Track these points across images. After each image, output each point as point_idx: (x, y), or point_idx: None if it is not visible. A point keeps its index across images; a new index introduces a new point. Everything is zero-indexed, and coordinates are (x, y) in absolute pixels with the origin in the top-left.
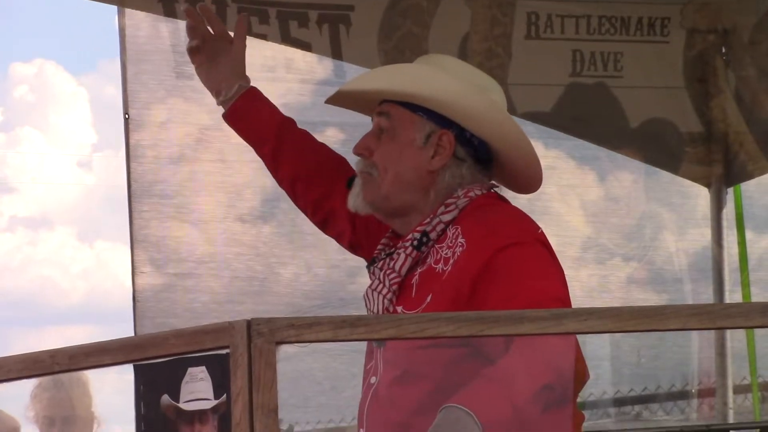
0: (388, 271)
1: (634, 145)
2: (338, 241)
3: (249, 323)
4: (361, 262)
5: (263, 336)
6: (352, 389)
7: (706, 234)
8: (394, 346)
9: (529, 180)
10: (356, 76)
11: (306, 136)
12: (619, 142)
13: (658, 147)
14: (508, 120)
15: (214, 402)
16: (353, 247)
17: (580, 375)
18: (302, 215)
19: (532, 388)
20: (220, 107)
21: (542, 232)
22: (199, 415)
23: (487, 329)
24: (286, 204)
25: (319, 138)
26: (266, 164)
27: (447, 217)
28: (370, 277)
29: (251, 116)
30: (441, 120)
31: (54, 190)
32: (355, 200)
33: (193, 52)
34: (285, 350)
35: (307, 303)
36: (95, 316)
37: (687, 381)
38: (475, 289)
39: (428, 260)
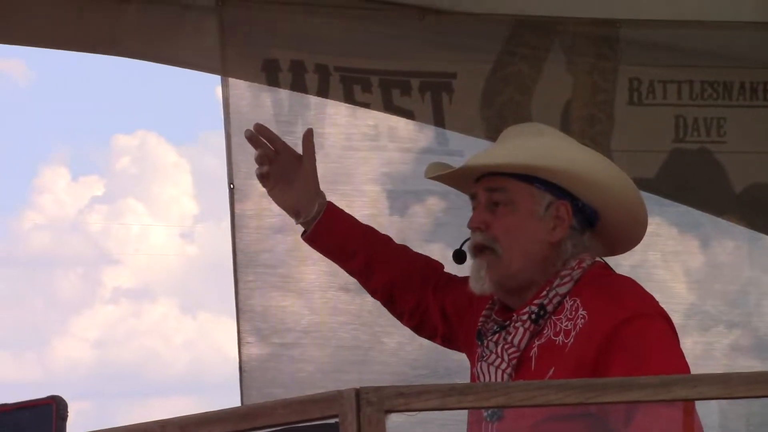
0: (506, 346)
1: (738, 211)
2: (432, 339)
3: (358, 392)
4: None
5: (372, 405)
6: None
7: None
8: (512, 420)
9: (630, 240)
10: (475, 154)
11: (391, 243)
12: (722, 208)
13: (762, 212)
14: (632, 189)
15: None
16: (447, 341)
17: None
18: None
19: None
20: (329, 174)
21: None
22: None
23: (595, 397)
24: None
25: (421, 207)
26: (357, 277)
27: (563, 290)
28: (482, 352)
29: (336, 232)
30: (557, 190)
31: (156, 261)
32: (479, 283)
33: (262, 177)
34: (393, 419)
35: (412, 372)
36: (198, 387)
37: None
38: (599, 361)
39: (545, 332)
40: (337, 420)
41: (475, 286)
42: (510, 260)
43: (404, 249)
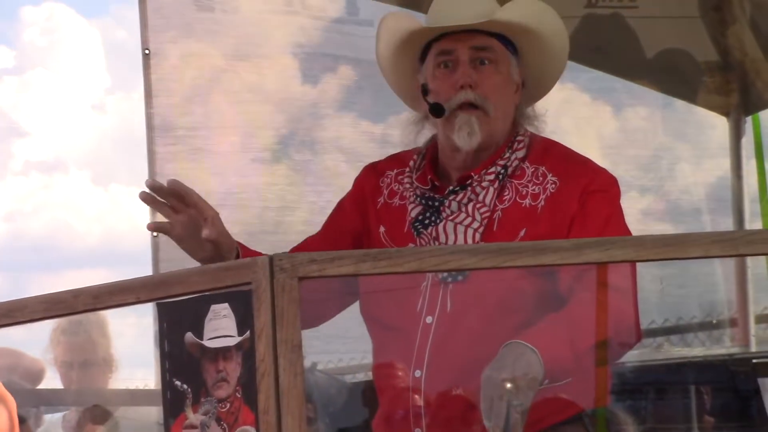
0: (478, 205)
1: (650, 76)
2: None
3: (271, 259)
4: None
5: (285, 271)
6: None
7: (723, 164)
8: (470, 284)
9: (546, 86)
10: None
11: None
12: (635, 73)
13: (674, 77)
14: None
15: (238, 339)
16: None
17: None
18: (321, 152)
19: (593, 339)
20: (243, 39)
21: None
22: (223, 352)
23: (510, 261)
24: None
25: (333, 76)
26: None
27: (521, 154)
28: (444, 212)
29: None
30: (516, 52)
31: (67, 133)
32: (471, 138)
33: (166, 231)
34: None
35: None
36: (112, 259)
37: (709, 312)
38: (572, 228)
39: (507, 195)
40: (251, 287)
41: (465, 141)
42: (496, 119)
43: None
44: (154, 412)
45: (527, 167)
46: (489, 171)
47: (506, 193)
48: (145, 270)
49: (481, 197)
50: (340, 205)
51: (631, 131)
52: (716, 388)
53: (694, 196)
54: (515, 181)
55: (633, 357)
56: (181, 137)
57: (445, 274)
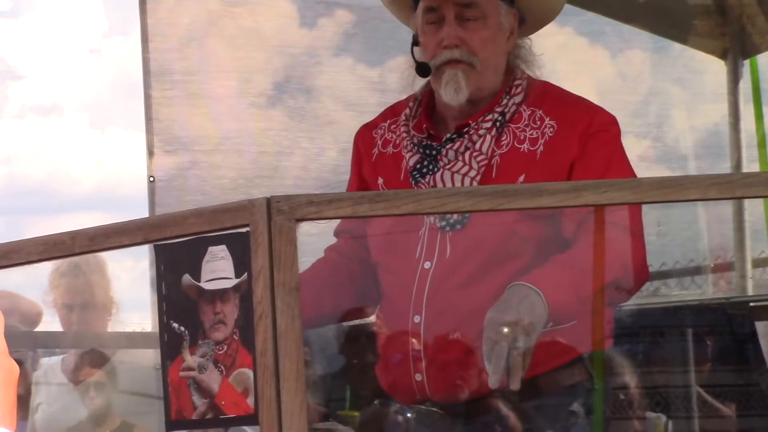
0: (474, 153)
1: (643, 18)
2: None
3: (269, 201)
4: None
5: (283, 213)
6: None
7: (719, 109)
8: (469, 231)
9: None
10: None
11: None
12: (627, 15)
13: (666, 20)
14: None
15: (236, 281)
16: None
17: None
18: (316, 98)
19: (599, 282)
20: None
21: None
22: (221, 294)
23: (507, 203)
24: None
25: (330, 20)
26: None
27: (518, 99)
28: (442, 160)
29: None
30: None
31: (64, 77)
32: (459, 93)
33: None
34: (308, 230)
35: (335, 179)
36: (108, 203)
37: (702, 255)
38: (573, 172)
39: (505, 140)
40: (248, 229)
41: (452, 96)
42: (485, 72)
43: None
44: (152, 355)
45: (524, 110)
46: (486, 118)
47: (504, 138)
48: (142, 214)
49: (477, 145)
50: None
51: (627, 76)
52: (713, 331)
53: (690, 142)
54: (513, 126)
55: (630, 300)
56: (177, 82)
57: (444, 223)
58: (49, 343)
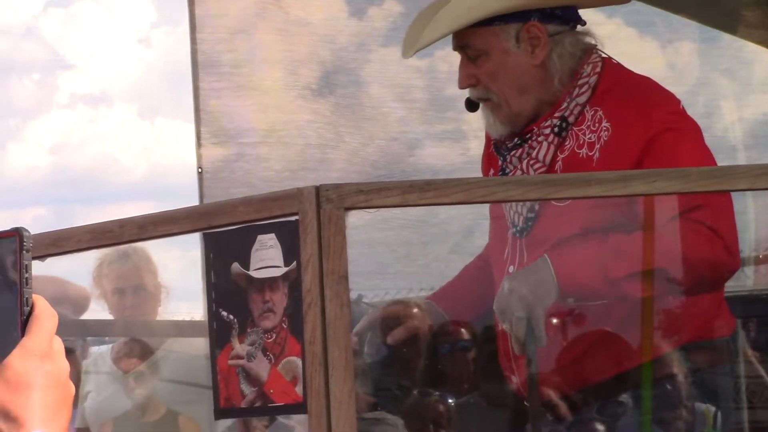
0: (531, 161)
1: (692, 8)
2: None
3: (318, 189)
4: (419, 135)
5: (332, 202)
6: (424, 257)
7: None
8: (541, 231)
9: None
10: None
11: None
12: (676, 6)
13: (715, 10)
14: None
15: (285, 269)
16: None
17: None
18: (364, 88)
19: (629, 269)
20: None
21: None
22: (270, 283)
23: (555, 192)
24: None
25: (378, 10)
26: None
27: (583, 99)
28: (503, 165)
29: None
30: (519, 15)
31: (113, 66)
32: (494, 129)
33: None
34: (354, 222)
35: (374, 172)
36: (157, 193)
37: (751, 246)
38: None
39: (568, 144)
40: (297, 218)
41: (493, 133)
42: (507, 102)
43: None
44: (201, 344)
45: (587, 111)
46: (545, 125)
47: (567, 142)
48: (191, 204)
49: (534, 153)
50: None
51: (674, 66)
52: (762, 322)
53: (738, 132)
54: (576, 128)
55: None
56: (225, 74)
57: (515, 229)
58: (99, 331)
